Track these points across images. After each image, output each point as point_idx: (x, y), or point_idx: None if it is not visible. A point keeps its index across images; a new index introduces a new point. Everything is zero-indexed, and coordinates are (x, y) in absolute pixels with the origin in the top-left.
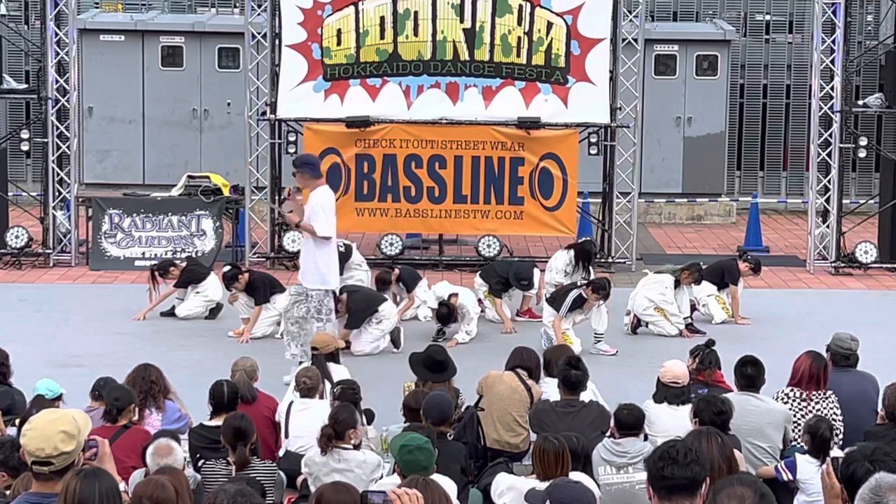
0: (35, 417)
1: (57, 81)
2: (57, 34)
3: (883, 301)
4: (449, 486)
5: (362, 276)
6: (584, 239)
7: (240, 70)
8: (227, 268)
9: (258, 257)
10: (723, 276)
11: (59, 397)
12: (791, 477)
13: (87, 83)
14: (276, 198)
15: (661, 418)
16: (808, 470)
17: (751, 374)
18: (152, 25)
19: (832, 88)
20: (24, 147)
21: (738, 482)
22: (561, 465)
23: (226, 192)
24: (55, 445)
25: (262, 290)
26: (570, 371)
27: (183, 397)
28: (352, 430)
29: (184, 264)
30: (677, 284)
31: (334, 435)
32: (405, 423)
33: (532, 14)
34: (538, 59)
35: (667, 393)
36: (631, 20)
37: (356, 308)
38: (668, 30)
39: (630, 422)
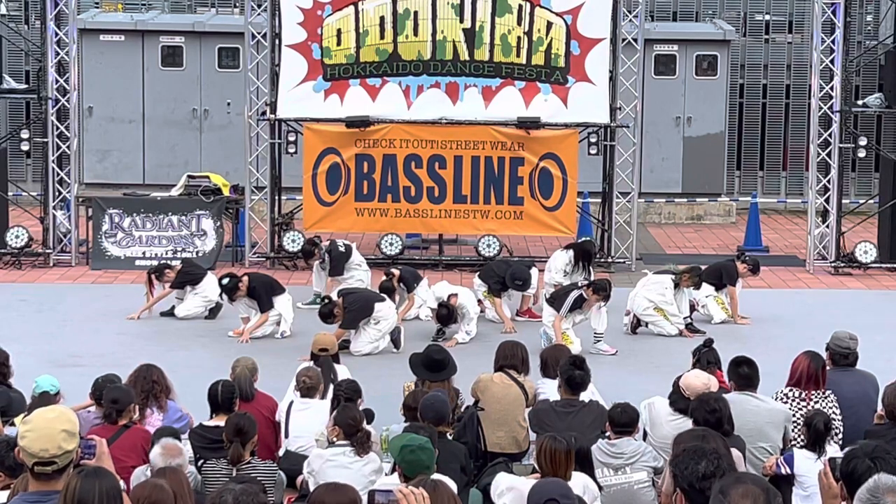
0: (32, 418)
1: (57, 81)
2: (57, 34)
3: (883, 301)
4: (449, 485)
5: (362, 276)
6: (583, 239)
7: (240, 70)
8: (225, 280)
9: (258, 257)
10: (721, 277)
11: (58, 392)
12: (789, 470)
13: (87, 83)
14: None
15: (662, 417)
16: (806, 465)
17: (748, 374)
18: (152, 25)
19: (832, 88)
20: (24, 147)
21: (749, 480)
22: (568, 464)
23: (226, 192)
24: (59, 444)
25: (264, 296)
26: (575, 371)
27: (183, 397)
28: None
29: (179, 266)
30: (676, 286)
31: (351, 433)
32: (405, 422)
33: (532, 14)
34: (538, 59)
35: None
36: (631, 20)
37: (351, 309)
38: (667, 30)
39: (624, 420)
